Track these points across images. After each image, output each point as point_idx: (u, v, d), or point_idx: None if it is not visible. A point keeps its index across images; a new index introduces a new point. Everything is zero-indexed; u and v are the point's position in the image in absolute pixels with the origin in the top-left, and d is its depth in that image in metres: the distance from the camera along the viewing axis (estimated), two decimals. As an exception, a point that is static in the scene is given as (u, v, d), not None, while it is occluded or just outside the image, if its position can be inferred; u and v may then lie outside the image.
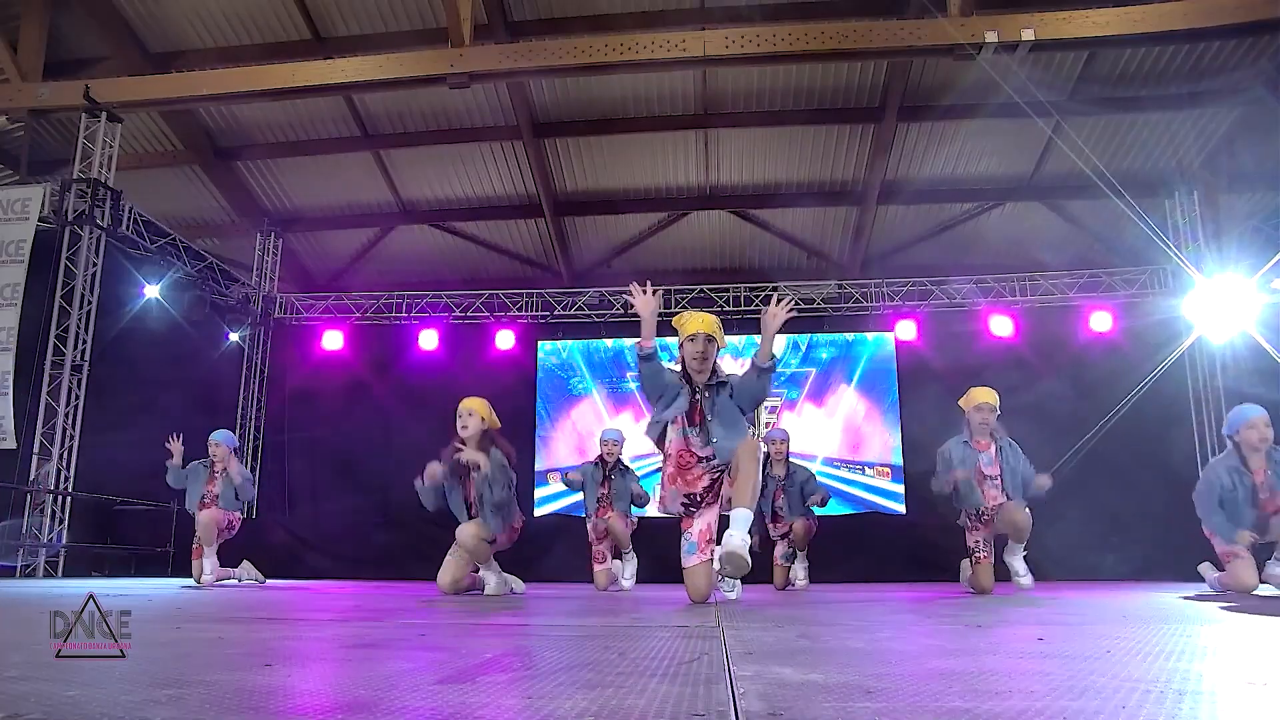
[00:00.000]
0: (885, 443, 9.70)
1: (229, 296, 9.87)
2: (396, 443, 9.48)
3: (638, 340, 3.54)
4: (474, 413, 4.22)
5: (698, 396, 3.59)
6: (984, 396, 4.82)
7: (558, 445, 10.03)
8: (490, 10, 7.95)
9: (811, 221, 10.48)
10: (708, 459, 3.56)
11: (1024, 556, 4.72)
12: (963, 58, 6.93)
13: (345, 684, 1.14)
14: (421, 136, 9.55)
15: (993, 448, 4.78)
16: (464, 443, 4.19)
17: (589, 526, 5.91)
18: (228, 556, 5.84)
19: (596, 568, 5.85)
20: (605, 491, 5.90)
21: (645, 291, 3.49)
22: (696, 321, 3.58)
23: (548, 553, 7.26)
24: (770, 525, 6.07)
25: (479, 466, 4.05)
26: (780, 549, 6.06)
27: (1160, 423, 8.66)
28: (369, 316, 10.37)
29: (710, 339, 3.56)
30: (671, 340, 3.82)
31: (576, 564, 6.50)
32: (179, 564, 8.35)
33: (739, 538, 3.14)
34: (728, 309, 9.95)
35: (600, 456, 6.04)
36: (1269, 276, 7.85)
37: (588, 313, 10.15)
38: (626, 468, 6.08)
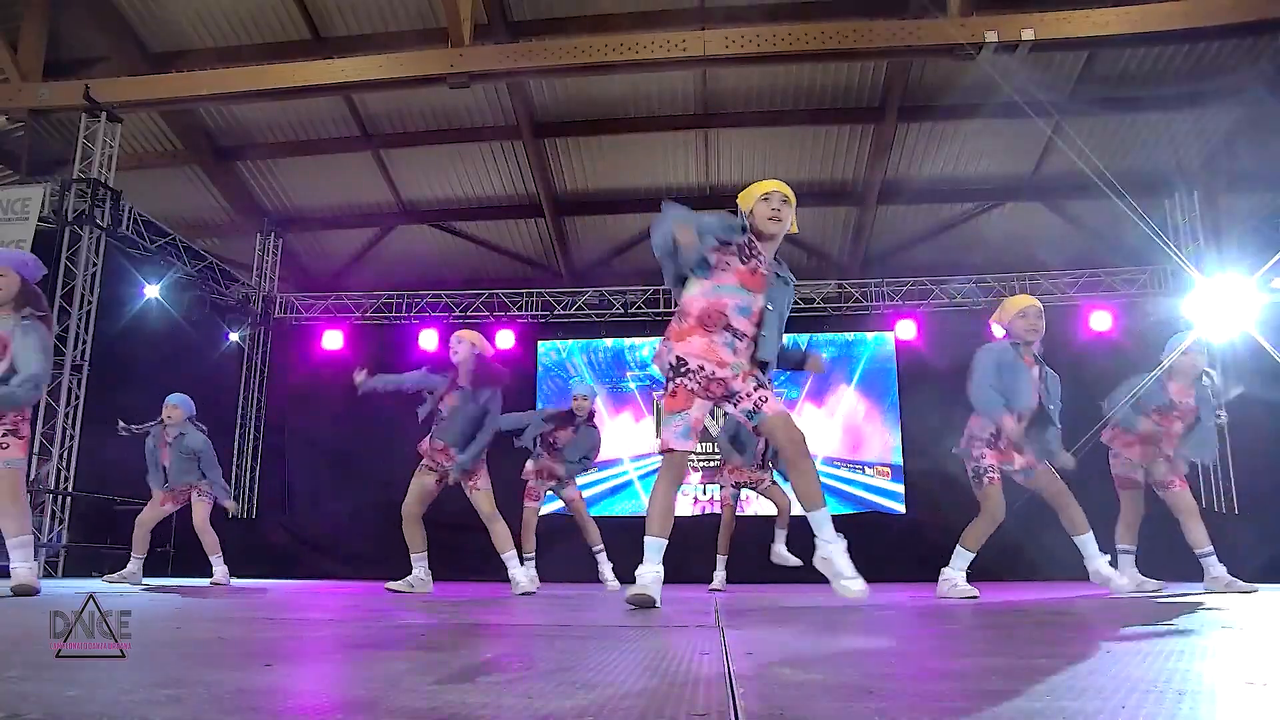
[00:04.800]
0: (885, 442, 9.70)
1: (229, 296, 9.87)
2: (396, 443, 9.41)
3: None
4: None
5: (757, 255, 3.00)
6: (1029, 300, 4.13)
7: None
8: (490, 10, 7.96)
9: (811, 221, 10.47)
10: (742, 336, 2.97)
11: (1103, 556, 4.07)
12: (963, 58, 6.93)
13: (345, 684, 1.14)
14: (421, 136, 9.56)
15: (1035, 368, 4.09)
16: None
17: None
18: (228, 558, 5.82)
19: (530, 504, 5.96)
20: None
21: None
22: (770, 183, 3.09)
23: (548, 553, 7.25)
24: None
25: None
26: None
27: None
28: (369, 316, 10.37)
29: (786, 201, 3.06)
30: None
31: (577, 564, 6.50)
32: (179, 564, 8.36)
33: (838, 547, 2.93)
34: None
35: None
36: (1269, 276, 7.84)
37: (588, 312, 10.15)
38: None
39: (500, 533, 4.52)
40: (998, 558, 5.95)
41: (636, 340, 10.22)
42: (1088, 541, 4.07)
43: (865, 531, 8.52)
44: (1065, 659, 1.40)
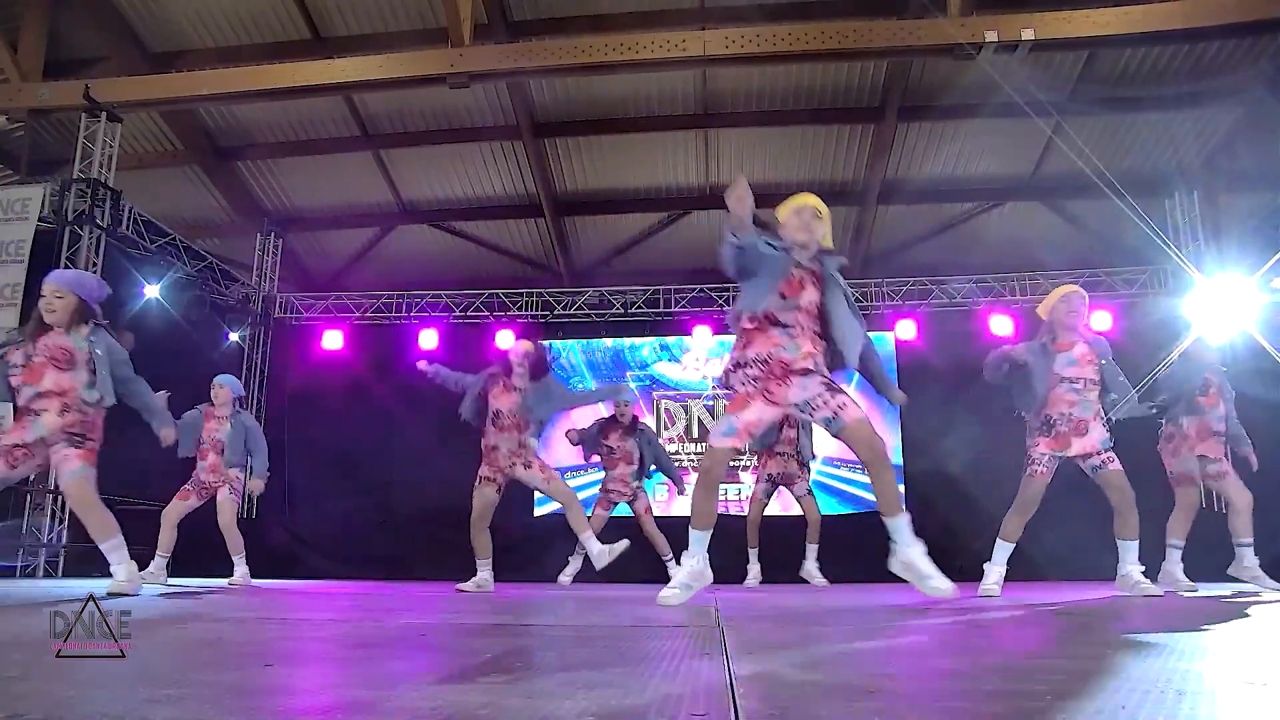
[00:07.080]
0: (885, 442, 9.68)
1: (229, 296, 9.87)
2: (397, 443, 9.47)
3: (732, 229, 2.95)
4: None
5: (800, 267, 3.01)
6: (1070, 288, 4.17)
7: (557, 445, 10.02)
8: (490, 10, 7.96)
9: (811, 221, 10.47)
10: (803, 367, 2.99)
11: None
12: (963, 58, 6.93)
13: (345, 684, 1.14)
14: (421, 136, 9.56)
15: (1078, 348, 4.09)
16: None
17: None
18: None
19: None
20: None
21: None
22: (799, 198, 3.13)
23: (548, 553, 7.26)
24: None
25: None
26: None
27: (1160, 422, 8.65)
28: (369, 316, 10.37)
29: (817, 214, 3.09)
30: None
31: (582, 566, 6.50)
32: (179, 564, 8.33)
33: (917, 550, 2.92)
34: (727, 309, 9.95)
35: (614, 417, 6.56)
36: (1269, 276, 7.84)
37: (588, 312, 10.15)
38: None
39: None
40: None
41: (636, 340, 10.21)
42: (1131, 547, 3.96)
43: (865, 531, 8.47)
44: (1066, 659, 1.40)
